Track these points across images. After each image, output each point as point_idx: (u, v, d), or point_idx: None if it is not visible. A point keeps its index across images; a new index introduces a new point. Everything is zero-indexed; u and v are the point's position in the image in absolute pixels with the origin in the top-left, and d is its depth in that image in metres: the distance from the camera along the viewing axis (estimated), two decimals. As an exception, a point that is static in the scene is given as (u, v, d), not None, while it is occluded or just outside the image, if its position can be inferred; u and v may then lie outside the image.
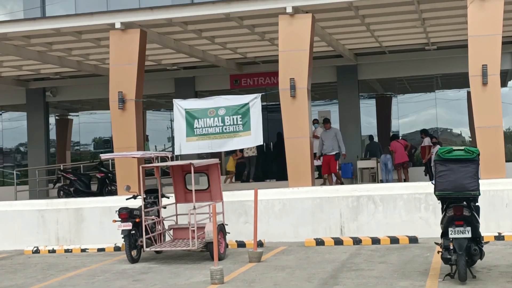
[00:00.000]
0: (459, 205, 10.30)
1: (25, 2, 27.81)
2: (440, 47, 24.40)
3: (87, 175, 24.22)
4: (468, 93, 22.38)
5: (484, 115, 16.06)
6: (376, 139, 26.07)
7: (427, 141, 24.03)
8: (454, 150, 10.34)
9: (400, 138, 24.72)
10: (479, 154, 10.35)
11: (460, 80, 24.49)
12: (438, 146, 21.79)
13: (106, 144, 28.35)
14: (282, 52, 17.08)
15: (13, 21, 19.93)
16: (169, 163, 14.86)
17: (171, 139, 27.51)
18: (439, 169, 10.36)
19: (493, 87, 15.98)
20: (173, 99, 17.93)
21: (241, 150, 23.72)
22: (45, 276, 13.03)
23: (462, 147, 10.40)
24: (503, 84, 23.48)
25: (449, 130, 26.83)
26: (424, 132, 24.56)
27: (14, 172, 25.87)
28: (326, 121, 21.77)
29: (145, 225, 14.00)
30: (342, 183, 20.76)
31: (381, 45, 23.79)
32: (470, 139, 24.78)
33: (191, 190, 13.91)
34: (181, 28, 19.35)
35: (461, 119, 25.91)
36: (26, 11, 26.72)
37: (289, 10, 16.92)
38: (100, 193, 22.73)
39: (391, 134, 25.61)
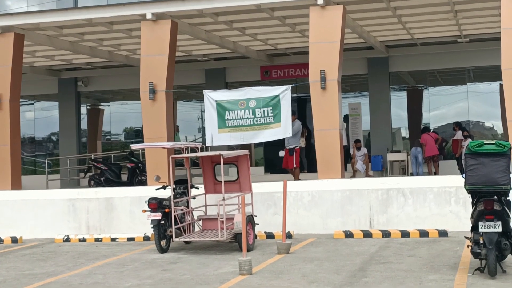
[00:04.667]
0: (490, 199, 10.22)
1: (57, -8, 28.01)
2: (473, 40, 24.17)
3: (117, 165, 24.39)
4: (501, 86, 22.13)
5: (517, 108, 15.90)
6: (407, 131, 25.92)
7: (459, 134, 23.84)
8: (485, 143, 10.26)
9: (431, 131, 24.53)
10: (510, 148, 10.25)
11: (493, 73, 24.25)
12: (469, 140, 21.60)
13: (136, 134, 28.52)
14: (313, 44, 17.03)
15: (46, 11, 20.09)
16: (199, 153, 14.91)
17: (202, 129, 27.61)
18: (469, 163, 10.29)
19: (527, 80, 15.81)
20: (204, 90, 17.96)
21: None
22: (75, 265, 13.16)
23: (493, 141, 10.31)
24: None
25: (481, 123, 26.59)
26: (458, 125, 24.35)
27: (46, 161, 26.13)
28: (292, 113, 20.73)
29: (175, 216, 14.05)
30: (298, 179, 20.19)
31: (413, 37, 23.63)
32: (502, 133, 24.53)
33: (221, 181, 13.95)
34: (212, 19, 19.38)
35: (493, 112, 25.66)
36: (59, 1, 26.90)
37: (320, 1, 16.86)
38: (130, 183, 22.87)
39: (422, 126, 25.43)
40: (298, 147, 20.52)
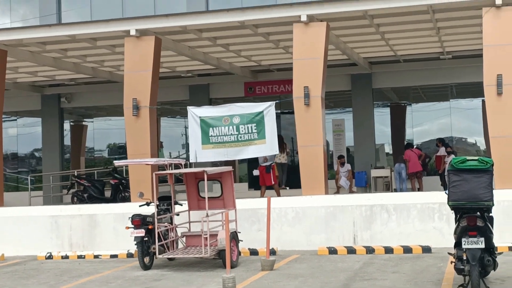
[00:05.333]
0: (473, 216, 10.25)
1: (41, 8, 27.97)
2: (455, 56, 24.35)
3: (101, 181, 24.30)
4: (483, 102, 22.28)
5: (499, 124, 16.00)
6: (390, 147, 26.01)
7: (443, 150, 23.92)
8: (468, 160, 10.29)
9: (415, 147, 24.61)
10: (493, 165, 10.30)
11: (475, 89, 24.37)
12: (452, 156, 21.67)
13: (120, 150, 28.42)
14: (297, 60, 17.09)
15: (29, 27, 20.08)
16: (183, 170, 14.88)
17: (185, 146, 27.56)
18: (452, 179, 10.32)
19: (508, 96, 15.91)
20: (187, 107, 17.94)
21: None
22: (57, 282, 13.06)
23: (476, 157, 10.35)
24: (518, 93, 23.38)
25: (463, 139, 26.74)
26: (441, 141, 24.46)
27: (29, 178, 26.00)
28: None
29: (158, 232, 14.02)
30: (279, 195, 20.26)
31: (396, 54, 23.76)
32: (485, 149, 24.66)
33: (204, 198, 13.93)
34: (196, 35, 19.40)
35: (476, 128, 25.81)
36: (42, 17, 26.86)
37: (303, 18, 16.94)
38: (113, 199, 22.79)
39: (405, 142, 25.54)
40: (273, 164, 20.65)
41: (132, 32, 17.94)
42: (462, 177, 10.23)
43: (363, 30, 19.77)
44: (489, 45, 16.10)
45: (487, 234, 10.21)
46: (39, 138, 28.70)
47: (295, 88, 16.97)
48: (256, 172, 21.64)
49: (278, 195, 20.46)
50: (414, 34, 20.76)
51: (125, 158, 19.60)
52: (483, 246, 10.11)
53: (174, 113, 28.75)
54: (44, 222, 17.48)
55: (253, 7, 18.36)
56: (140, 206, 15.28)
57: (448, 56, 24.16)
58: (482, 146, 25.52)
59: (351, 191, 23.55)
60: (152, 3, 26.77)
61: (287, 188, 23.70)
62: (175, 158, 26.78)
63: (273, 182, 20.69)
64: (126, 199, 21.51)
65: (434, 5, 17.15)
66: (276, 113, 17.32)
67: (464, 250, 10.15)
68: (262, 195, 20.48)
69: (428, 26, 19.66)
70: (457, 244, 10.41)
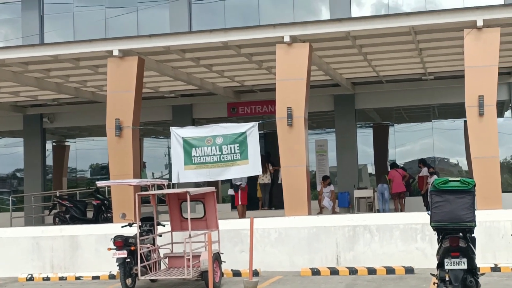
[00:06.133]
0: (455, 236, 10.26)
1: (23, 28, 27.92)
2: (437, 77, 24.48)
3: (83, 202, 24.16)
4: (465, 123, 22.39)
5: (481, 145, 16.09)
6: (373, 168, 26.06)
7: (425, 171, 24.02)
8: (450, 181, 10.32)
9: (400, 167, 24.61)
10: (475, 185, 10.33)
11: (457, 110, 24.54)
12: (435, 176, 21.74)
13: (102, 171, 28.30)
14: (280, 81, 17.13)
15: (11, 47, 19.98)
16: (165, 191, 14.82)
17: (168, 166, 27.48)
18: (435, 200, 10.34)
19: (490, 117, 16.02)
20: (170, 127, 17.93)
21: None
22: (38, 304, 12.94)
23: (458, 178, 10.38)
24: (500, 114, 23.58)
25: (446, 160, 26.84)
26: (422, 162, 24.55)
27: (10, 198, 25.81)
28: None
29: (140, 253, 13.92)
30: (240, 217, 20.37)
31: (378, 75, 23.87)
32: (467, 169, 24.76)
33: (187, 218, 13.87)
34: (179, 56, 19.41)
35: (458, 149, 25.92)
36: (25, 37, 26.81)
37: (286, 39, 17.01)
38: (95, 220, 22.65)
39: (388, 163, 25.61)
40: (244, 185, 20.70)
41: (115, 53, 17.93)
42: (445, 198, 10.25)
43: (346, 51, 19.85)
44: (470, 66, 16.22)
45: (469, 255, 10.22)
46: (21, 158, 28.52)
47: (278, 108, 17.00)
48: (231, 191, 21.74)
49: (239, 216, 20.58)
50: (396, 55, 20.89)
51: (108, 178, 19.52)
52: (465, 267, 10.12)
53: (157, 134, 28.69)
54: (26, 243, 17.33)
55: (236, 28, 18.41)
56: (122, 227, 15.19)
57: (430, 77, 24.30)
58: (464, 167, 25.63)
59: (334, 212, 23.54)
60: (135, 23, 26.80)
61: (273, 208, 23.73)
62: (158, 178, 26.69)
63: (240, 203, 20.82)
64: (109, 220, 21.39)
65: (416, 27, 17.29)
66: (260, 133, 17.34)
67: (447, 271, 10.15)
68: (239, 215, 20.55)
69: (410, 47, 19.78)
70: (440, 265, 10.41)
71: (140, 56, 18.23)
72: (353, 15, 24.72)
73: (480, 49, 16.23)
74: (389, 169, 24.19)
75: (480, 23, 16.17)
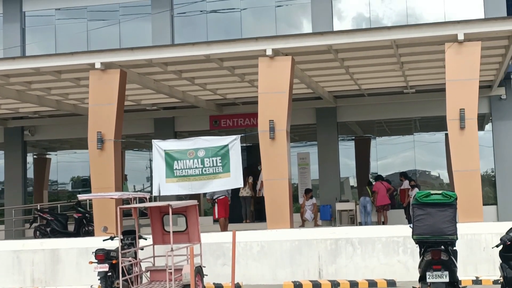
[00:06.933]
0: (437, 249, 10.30)
1: (4, 41, 27.79)
2: (419, 91, 24.60)
3: (64, 215, 24.03)
4: (446, 136, 22.52)
5: (462, 158, 16.17)
6: (355, 181, 26.11)
7: (406, 183, 24.11)
8: (432, 194, 10.38)
9: (385, 179, 24.64)
10: (456, 198, 10.39)
11: (438, 123, 24.67)
12: (416, 189, 21.83)
13: (84, 184, 28.16)
14: (262, 94, 17.15)
15: (-8, 60, 19.89)
16: (147, 204, 14.77)
17: (150, 179, 27.36)
18: (416, 213, 10.38)
19: (471, 131, 16.12)
20: (152, 140, 17.90)
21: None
22: (19, 319, 12.83)
23: (440, 191, 10.43)
24: (480, 127, 23.70)
25: (427, 173, 26.94)
26: (404, 175, 24.65)
27: (-10, 212, 25.63)
28: None
29: (122, 267, 13.82)
30: (221, 230, 20.45)
31: (360, 88, 23.96)
32: (448, 182, 24.86)
33: (169, 232, 13.81)
34: (161, 68, 19.40)
35: (439, 162, 26.04)
36: (6, 50, 26.68)
37: (269, 52, 17.05)
38: (77, 233, 22.52)
39: (370, 176, 25.67)
40: (221, 197, 20.68)
41: (97, 65, 17.90)
42: (426, 211, 10.30)
43: (328, 64, 19.91)
44: (452, 80, 16.33)
45: (451, 268, 10.27)
46: (1, 171, 28.34)
47: (261, 121, 17.01)
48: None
49: (221, 229, 20.59)
50: (378, 69, 20.98)
51: (89, 191, 19.43)
52: (447, 280, 10.16)
53: (139, 146, 28.60)
54: (6, 257, 17.19)
55: (218, 41, 18.42)
56: (104, 240, 15.11)
57: (411, 90, 24.41)
58: (446, 180, 25.73)
59: (316, 225, 23.56)
60: (117, 36, 26.76)
61: (255, 221, 23.71)
62: (139, 191, 26.59)
63: (217, 216, 20.84)
64: (90, 233, 21.28)
65: (398, 40, 17.38)
66: (243, 146, 17.35)
67: (429, 284, 10.19)
68: (221, 229, 20.53)
69: (392, 61, 19.88)
70: (422, 278, 10.44)
71: (122, 69, 18.20)
72: (335, 29, 24.81)
73: (461, 63, 16.35)
74: (373, 182, 24.25)
75: (461, 37, 16.29)
